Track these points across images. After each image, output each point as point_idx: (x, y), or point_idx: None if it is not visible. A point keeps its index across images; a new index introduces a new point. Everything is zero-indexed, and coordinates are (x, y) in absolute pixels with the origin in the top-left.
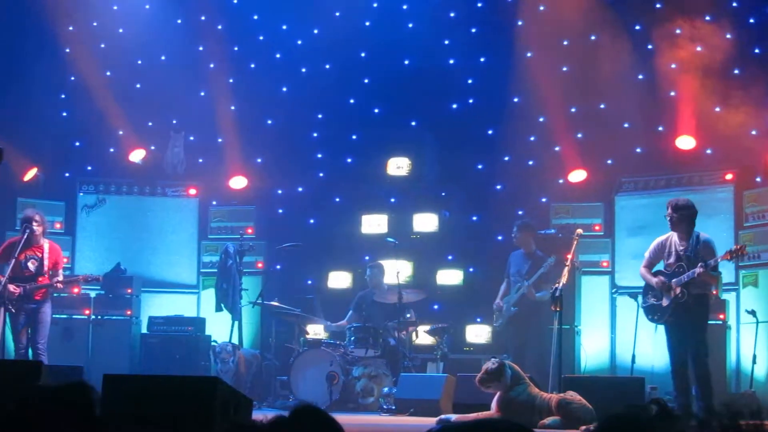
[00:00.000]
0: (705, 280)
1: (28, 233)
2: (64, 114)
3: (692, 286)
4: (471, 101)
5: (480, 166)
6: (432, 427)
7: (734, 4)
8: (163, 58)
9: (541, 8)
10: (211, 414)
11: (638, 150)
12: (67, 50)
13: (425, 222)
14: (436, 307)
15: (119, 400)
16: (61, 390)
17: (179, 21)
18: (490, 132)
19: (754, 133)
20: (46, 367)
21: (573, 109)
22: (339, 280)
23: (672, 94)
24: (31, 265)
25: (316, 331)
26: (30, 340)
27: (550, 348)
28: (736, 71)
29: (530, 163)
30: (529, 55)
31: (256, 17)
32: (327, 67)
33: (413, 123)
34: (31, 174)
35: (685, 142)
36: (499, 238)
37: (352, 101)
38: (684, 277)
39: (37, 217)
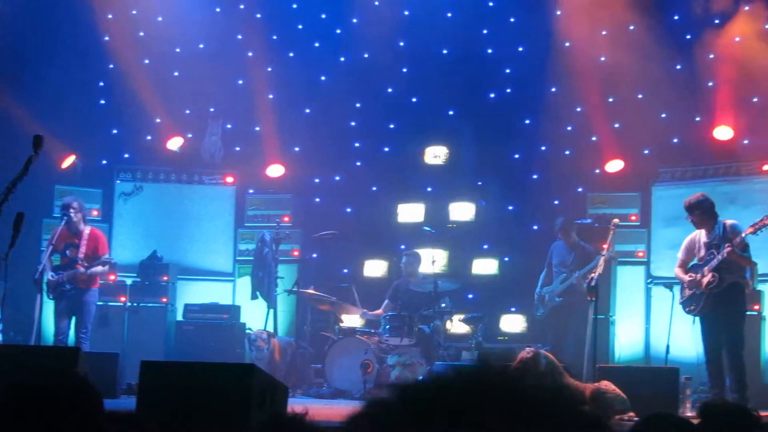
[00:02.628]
0: (736, 262)
1: (66, 220)
2: (102, 102)
3: (725, 271)
4: (508, 90)
5: (517, 156)
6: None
7: None
8: (201, 46)
9: None
10: (248, 400)
11: (675, 140)
12: (106, 38)
13: (461, 211)
14: (471, 296)
15: (158, 386)
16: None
17: (218, 9)
18: (527, 121)
19: None
20: (83, 353)
21: (610, 99)
22: (375, 268)
23: (710, 84)
24: (69, 253)
25: (351, 319)
26: (74, 328)
27: (585, 338)
28: None
29: (567, 152)
30: (567, 44)
31: (294, 6)
32: (365, 56)
33: (451, 112)
34: (69, 161)
35: (723, 133)
36: (535, 227)
37: (389, 90)
38: (714, 261)
39: (75, 204)
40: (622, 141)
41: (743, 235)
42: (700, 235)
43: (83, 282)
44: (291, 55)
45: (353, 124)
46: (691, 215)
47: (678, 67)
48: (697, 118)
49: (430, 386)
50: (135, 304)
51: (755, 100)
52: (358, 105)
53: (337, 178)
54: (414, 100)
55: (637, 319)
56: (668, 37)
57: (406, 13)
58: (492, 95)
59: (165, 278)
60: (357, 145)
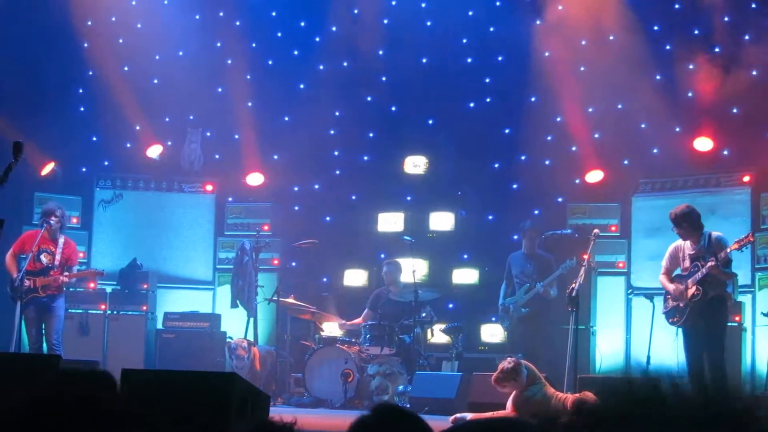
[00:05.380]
0: (718, 277)
1: (45, 227)
2: (82, 109)
3: (708, 285)
4: (488, 100)
5: (496, 166)
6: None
7: (753, 6)
8: (180, 53)
9: (560, 8)
10: (229, 409)
11: (655, 151)
12: (85, 45)
13: (441, 220)
14: (451, 305)
15: (138, 394)
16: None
17: (197, 17)
18: (507, 131)
19: None
20: (63, 361)
21: (590, 109)
22: (355, 277)
23: (690, 95)
24: (44, 259)
25: (331, 328)
26: (44, 335)
27: (564, 348)
28: (754, 72)
29: (547, 162)
30: (546, 54)
31: (274, 14)
32: (345, 64)
33: (430, 121)
34: (48, 168)
35: (703, 144)
36: (515, 237)
37: (369, 99)
38: (698, 274)
39: (58, 212)
40: (602, 151)
41: (728, 251)
42: (685, 244)
43: (54, 288)
44: (270, 62)
45: (332, 132)
46: (678, 227)
47: (658, 77)
48: (677, 129)
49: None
50: (115, 312)
51: (735, 111)
52: (337, 113)
53: (317, 186)
54: (393, 109)
55: (617, 330)
56: (648, 48)
57: (386, 21)
58: (471, 105)
59: (145, 286)
60: (336, 153)
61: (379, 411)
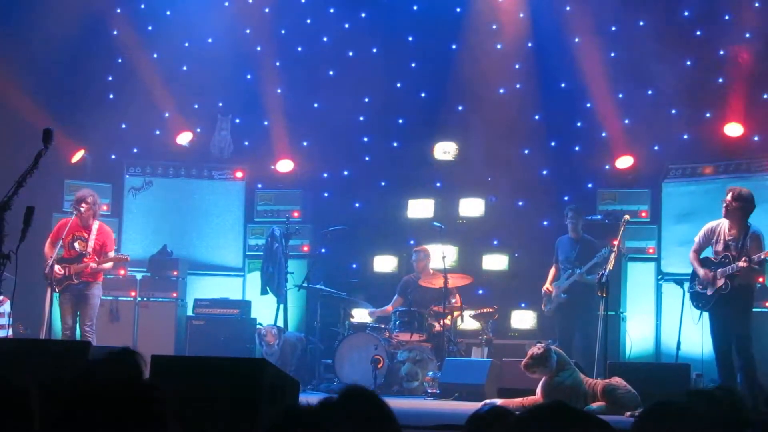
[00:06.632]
0: (748, 274)
1: (75, 214)
2: (111, 96)
3: (736, 278)
4: (518, 86)
5: (526, 152)
6: (480, 409)
7: None
8: (210, 40)
9: None
10: (259, 395)
11: (686, 136)
12: (115, 32)
13: (471, 207)
14: (481, 292)
15: (168, 380)
16: (110, 359)
17: (226, 4)
18: (536, 117)
19: None
20: (93, 347)
21: (620, 95)
22: (384, 264)
23: (720, 80)
24: (78, 246)
25: (361, 314)
26: (78, 322)
27: (596, 334)
28: None
29: (577, 148)
30: (576, 40)
31: (303, 1)
32: (374, 50)
33: (460, 107)
34: (78, 156)
35: (733, 129)
36: (545, 223)
37: (398, 85)
38: (728, 269)
39: (89, 199)
40: (632, 137)
41: (761, 256)
42: (724, 226)
43: (89, 275)
44: (299, 49)
45: (362, 119)
46: (735, 202)
47: (688, 63)
48: (708, 114)
49: None
50: (145, 299)
51: (765, 96)
52: (366, 100)
53: (346, 173)
54: (423, 95)
55: (647, 316)
56: (678, 33)
57: (415, 8)
58: (501, 91)
59: (175, 273)
60: (366, 140)
61: (345, 393)
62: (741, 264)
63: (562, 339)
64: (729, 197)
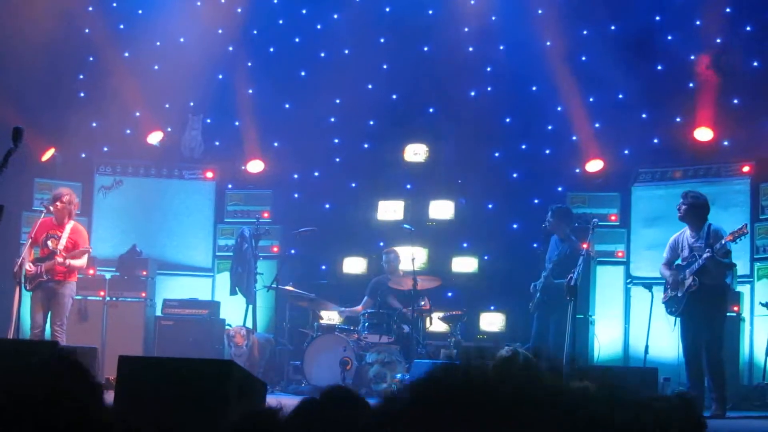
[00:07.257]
0: (717, 267)
1: (45, 213)
2: (82, 95)
3: (705, 275)
4: (489, 89)
5: (497, 154)
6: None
7: None
8: (181, 40)
9: None
10: (226, 397)
11: (656, 141)
12: (87, 31)
13: (441, 209)
14: (450, 294)
15: (135, 381)
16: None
17: (198, 3)
18: (507, 120)
19: None
20: (60, 347)
21: (591, 99)
22: (354, 265)
23: (690, 85)
24: (50, 244)
25: (330, 316)
26: (48, 321)
27: (564, 336)
28: (755, 63)
29: (547, 151)
30: (548, 43)
31: (275, 1)
32: (346, 52)
33: (431, 110)
34: (48, 154)
35: (703, 134)
36: (515, 226)
37: (370, 87)
38: (695, 265)
39: (65, 198)
40: (603, 141)
41: (722, 242)
42: (685, 234)
43: (61, 274)
44: (271, 50)
45: (333, 120)
46: (685, 204)
47: (659, 67)
48: (678, 119)
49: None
50: (114, 299)
51: (735, 101)
52: (338, 101)
53: (317, 174)
54: (394, 97)
55: (616, 319)
56: (649, 38)
57: (388, 9)
58: (472, 93)
59: (144, 273)
60: (336, 141)
61: (326, 393)
62: (706, 255)
63: (536, 339)
64: (682, 200)
